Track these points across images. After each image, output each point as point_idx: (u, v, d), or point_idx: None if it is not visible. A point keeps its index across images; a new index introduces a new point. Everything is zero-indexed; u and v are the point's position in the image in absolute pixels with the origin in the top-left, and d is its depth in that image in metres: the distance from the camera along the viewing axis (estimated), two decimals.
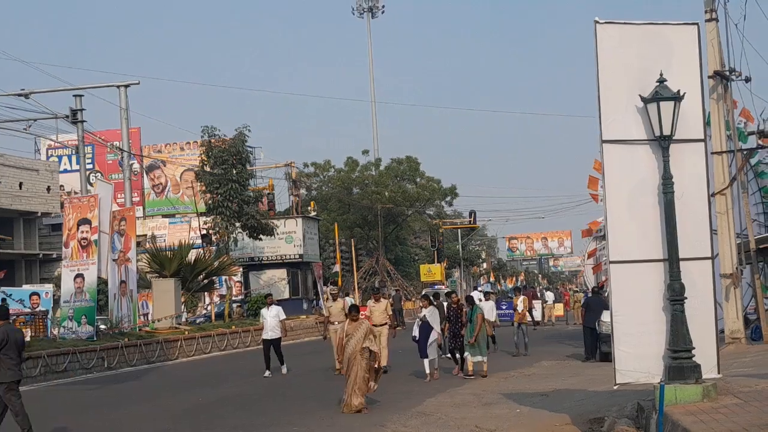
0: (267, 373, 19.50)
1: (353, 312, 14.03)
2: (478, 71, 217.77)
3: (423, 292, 28.45)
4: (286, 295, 46.48)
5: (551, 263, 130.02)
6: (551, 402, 13.94)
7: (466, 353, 18.12)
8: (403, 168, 64.35)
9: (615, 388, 10.76)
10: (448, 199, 67.99)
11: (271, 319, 19.82)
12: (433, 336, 17.66)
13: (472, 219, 70.45)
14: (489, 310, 21.61)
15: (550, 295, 44.72)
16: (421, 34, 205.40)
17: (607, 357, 17.39)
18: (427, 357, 17.65)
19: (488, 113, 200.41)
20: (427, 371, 17.67)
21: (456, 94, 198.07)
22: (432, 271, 58.06)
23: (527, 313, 26.04)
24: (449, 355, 20.07)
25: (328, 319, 20.27)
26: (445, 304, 20.38)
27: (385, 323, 18.76)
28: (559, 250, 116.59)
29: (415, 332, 17.78)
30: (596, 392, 14.64)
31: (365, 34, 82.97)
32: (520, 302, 24.84)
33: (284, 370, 20.05)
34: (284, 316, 20.41)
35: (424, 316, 17.86)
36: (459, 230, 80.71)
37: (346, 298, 21.18)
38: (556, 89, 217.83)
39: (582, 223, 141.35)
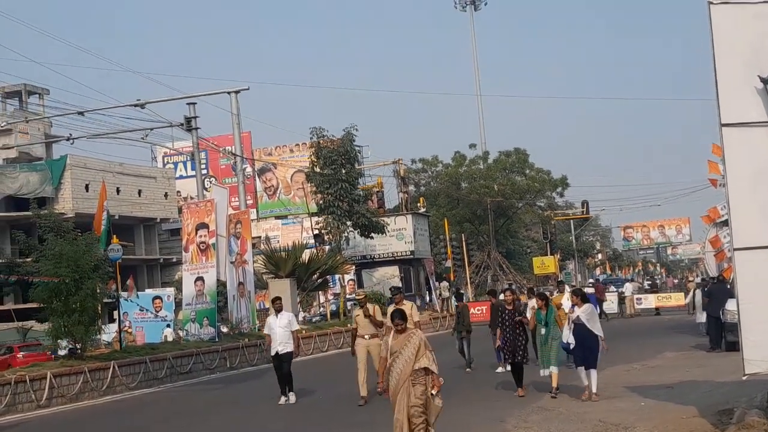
0: (283, 399, 15.45)
1: (398, 319, 9.75)
2: (586, 57, 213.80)
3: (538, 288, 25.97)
4: None
5: (669, 252, 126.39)
6: (677, 394, 13.54)
7: (552, 366, 14.43)
8: (512, 160, 63.69)
9: (744, 378, 10.38)
10: (559, 190, 66.91)
11: (281, 330, 15.49)
12: (600, 343, 13.80)
13: (584, 209, 69.23)
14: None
15: (628, 287, 43.60)
16: (524, 23, 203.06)
17: (734, 346, 16.75)
18: (589, 367, 13.72)
19: (597, 100, 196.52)
20: (594, 387, 13.72)
21: (563, 82, 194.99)
22: (545, 264, 57.29)
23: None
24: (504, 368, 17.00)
25: (355, 331, 15.38)
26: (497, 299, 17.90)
27: None
28: (678, 237, 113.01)
29: (569, 338, 13.89)
30: (723, 383, 14.18)
31: (468, 27, 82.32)
32: (566, 299, 17.73)
33: (293, 398, 15.54)
34: (297, 326, 16.14)
35: (578, 317, 13.80)
36: (571, 221, 79.50)
37: (375, 305, 16.30)
38: (668, 73, 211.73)
39: (700, 208, 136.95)
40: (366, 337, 14.95)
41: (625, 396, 13.85)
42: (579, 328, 13.69)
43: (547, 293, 17.90)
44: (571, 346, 13.81)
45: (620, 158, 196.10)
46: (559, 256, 68.78)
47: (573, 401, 13.58)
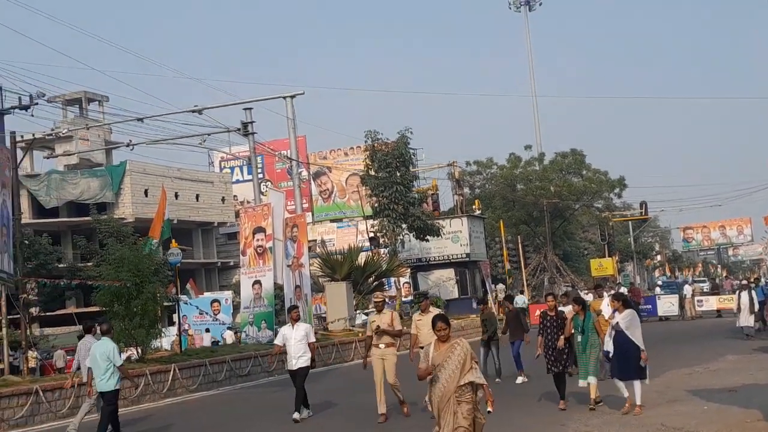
0: (296, 414, 14.11)
1: (441, 323, 8.45)
2: (639, 58, 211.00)
3: (564, 290, 22.46)
4: (455, 295, 46.51)
5: (730, 252, 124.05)
6: (740, 398, 13.28)
7: (589, 377, 13.49)
8: (568, 161, 63.13)
9: None
10: (616, 190, 66.13)
11: (297, 342, 14.08)
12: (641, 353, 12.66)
13: (643, 210, 68.32)
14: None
15: (688, 289, 42.80)
16: (580, 22, 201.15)
17: None
18: (631, 378, 12.74)
19: (654, 100, 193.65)
20: (638, 399, 12.67)
21: (619, 82, 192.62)
22: (603, 266, 56.60)
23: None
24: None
25: (369, 340, 13.76)
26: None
27: None
28: (739, 238, 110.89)
29: (608, 346, 12.91)
30: None
31: (523, 28, 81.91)
32: (605, 305, 16.33)
33: (305, 413, 14.40)
34: (314, 338, 14.69)
35: (617, 323, 12.73)
36: (630, 222, 78.49)
37: (394, 312, 14.55)
38: (726, 70, 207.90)
39: (762, 208, 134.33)
40: (381, 346, 13.42)
41: (687, 399, 13.63)
42: (619, 336, 12.65)
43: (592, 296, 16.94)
44: (610, 354, 12.84)
45: (679, 158, 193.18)
46: (617, 257, 67.93)
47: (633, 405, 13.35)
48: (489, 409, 8.29)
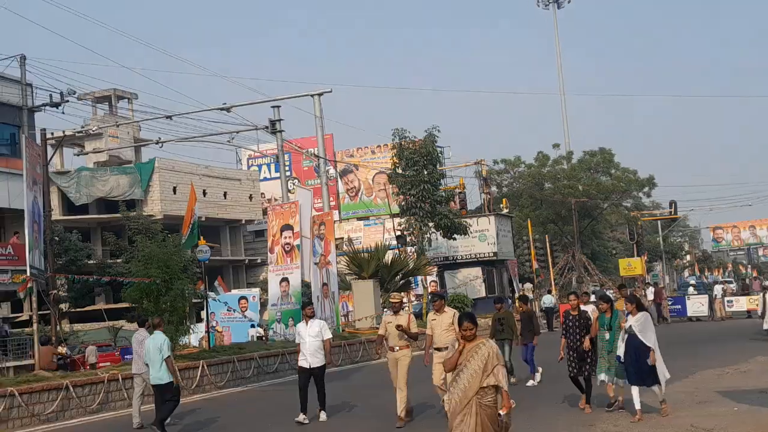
0: (301, 417, 13.69)
1: (467, 322, 8.06)
2: (670, 54, 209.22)
3: (591, 289, 19.92)
4: (482, 294, 46.39)
5: (761, 253, 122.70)
6: None
7: (602, 375, 13.06)
8: (597, 160, 62.78)
9: None
10: (645, 190, 65.70)
11: (311, 339, 13.73)
12: (656, 357, 12.22)
13: (672, 209, 67.77)
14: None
15: (718, 289, 42.36)
16: (608, 20, 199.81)
17: None
18: (648, 384, 12.32)
19: (685, 98, 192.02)
20: (637, 405, 12.27)
21: (649, 80, 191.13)
22: (632, 265, 56.17)
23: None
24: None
25: (384, 341, 13.37)
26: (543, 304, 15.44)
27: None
28: None
29: (620, 350, 12.42)
30: None
31: (551, 24, 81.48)
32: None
33: (323, 416, 13.97)
34: (330, 335, 14.21)
35: (630, 327, 12.22)
36: (659, 222, 77.92)
37: (410, 314, 14.02)
38: (756, 68, 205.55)
39: None
40: (396, 348, 13.01)
41: (717, 401, 13.50)
42: (632, 340, 12.14)
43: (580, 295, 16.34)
44: (621, 359, 12.38)
45: (710, 157, 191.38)
46: (646, 257, 67.43)
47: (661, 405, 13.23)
48: (500, 412, 7.85)
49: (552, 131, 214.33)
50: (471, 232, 43.41)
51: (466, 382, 7.85)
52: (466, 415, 7.78)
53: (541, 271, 50.53)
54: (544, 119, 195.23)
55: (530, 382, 16.95)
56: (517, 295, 46.12)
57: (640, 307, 12.41)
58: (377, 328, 30.75)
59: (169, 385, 13.28)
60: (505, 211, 53.29)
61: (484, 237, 48.54)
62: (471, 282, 47.61)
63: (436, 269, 44.98)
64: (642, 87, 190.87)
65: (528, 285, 47.84)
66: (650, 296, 37.27)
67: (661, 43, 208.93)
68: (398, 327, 12.85)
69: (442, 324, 12.63)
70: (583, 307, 13.82)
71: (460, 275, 48.37)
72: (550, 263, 52.51)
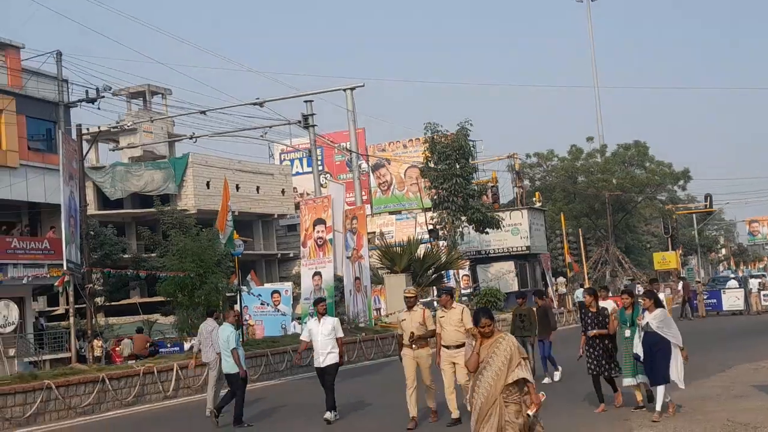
0: (328, 414, 13.31)
1: (485, 318, 7.55)
2: (703, 47, 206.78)
3: (624, 285, 18.19)
4: (515, 288, 46.22)
5: None
6: None
7: (638, 375, 12.41)
8: (631, 153, 62.29)
9: None
10: (680, 183, 65.03)
11: (324, 338, 13.20)
12: (675, 355, 11.70)
13: (707, 203, 67.04)
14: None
15: (754, 283, 41.82)
16: (641, 11, 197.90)
17: None
18: (661, 382, 11.72)
19: (720, 90, 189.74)
20: (658, 406, 11.74)
21: (683, 72, 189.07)
22: (666, 259, 55.79)
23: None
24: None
25: (401, 338, 12.77)
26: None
27: (463, 344, 11.38)
28: None
29: (638, 348, 11.91)
30: None
31: (585, 17, 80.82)
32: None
33: (330, 416, 13.31)
34: (342, 333, 13.61)
35: (647, 324, 11.70)
36: (694, 215, 77.15)
37: (425, 309, 12.92)
38: None
39: None
40: (414, 346, 12.37)
41: (753, 395, 13.35)
42: (649, 337, 11.63)
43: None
44: (641, 358, 11.86)
45: (745, 150, 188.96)
46: (681, 251, 66.81)
47: (700, 400, 13.10)
48: (529, 411, 7.33)
49: (585, 124, 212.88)
50: (503, 226, 43.28)
51: (491, 380, 7.35)
52: (491, 416, 7.30)
53: (574, 265, 50.19)
54: (578, 112, 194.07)
55: (546, 380, 16.50)
56: (551, 288, 46.05)
57: (657, 303, 11.92)
58: None
59: (236, 375, 13.61)
60: (537, 204, 53.03)
61: (516, 231, 48.36)
62: (504, 276, 47.48)
63: (468, 263, 44.87)
64: (677, 79, 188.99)
65: (561, 279, 47.55)
66: (681, 290, 36.98)
67: (695, 34, 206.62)
68: (410, 339, 12.28)
69: (451, 320, 11.96)
70: (602, 303, 13.37)
71: (492, 269, 48.23)
72: (584, 257, 52.17)
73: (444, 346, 11.97)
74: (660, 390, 11.65)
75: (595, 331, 12.63)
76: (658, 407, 11.66)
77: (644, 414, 12.27)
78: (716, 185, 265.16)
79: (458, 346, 11.61)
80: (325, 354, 13.11)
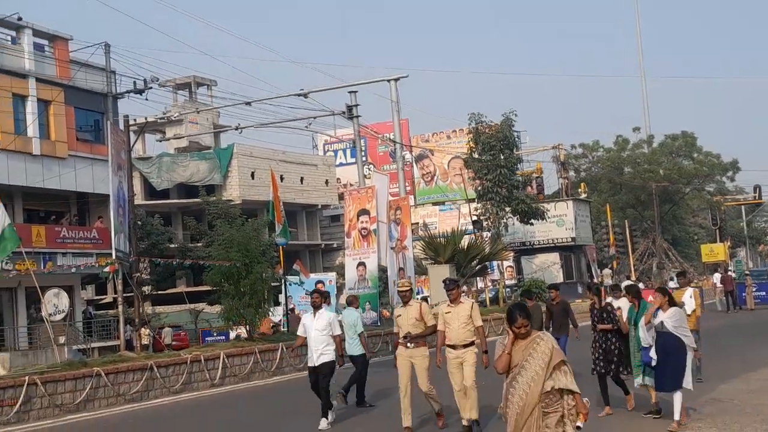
0: (323, 422, 11.96)
1: (522, 318, 6.42)
2: (754, 35, 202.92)
3: (625, 283, 17.33)
4: (560, 279, 45.90)
5: None
6: None
7: (639, 379, 11.70)
8: (678, 144, 61.59)
9: None
10: (729, 174, 64.16)
11: (317, 334, 11.99)
12: (689, 356, 10.71)
13: (756, 194, 65.98)
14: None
15: None
16: (689, 2, 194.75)
17: None
18: (677, 388, 10.61)
19: None
20: (677, 414, 10.60)
21: (733, 61, 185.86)
22: (714, 251, 54.98)
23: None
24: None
25: (398, 337, 11.39)
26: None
27: (471, 343, 10.62)
28: None
29: (653, 352, 10.81)
30: None
31: (632, 5, 79.80)
32: (688, 296, 14.34)
33: (324, 424, 11.98)
34: (339, 330, 12.37)
35: (661, 323, 10.69)
36: (742, 207, 76.01)
37: (423, 303, 11.72)
38: None
39: None
40: (409, 345, 10.98)
41: None
42: (664, 338, 10.62)
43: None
44: (653, 362, 10.78)
45: None
46: (729, 243, 65.85)
47: (748, 394, 12.85)
48: (579, 423, 6.39)
49: (631, 115, 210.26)
50: (548, 217, 43.01)
51: (526, 387, 6.35)
52: (530, 428, 6.32)
53: (620, 257, 49.73)
54: (624, 103, 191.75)
55: None
56: (597, 280, 45.67)
57: (672, 301, 10.92)
58: None
59: (361, 357, 14.13)
60: (583, 195, 52.63)
61: (561, 222, 48.01)
62: (548, 268, 47.18)
63: (512, 254, 44.67)
64: (725, 69, 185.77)
65: (607, 271, 47.15)
66: (717, 283, 36.00)
67: (744, 23, 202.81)
68: (405, 337, 10.99)
69: (459, 317, 10.60)
70: (616, 302, 12.80)
71: (537, 260, 47.96)
72: (630, 249, 51.64)
73: (450, 345, 10.63)
74: (677, 396, 10.59)
75: (601, 326, 12.01)
76: (677, 415, 10.59)
77: (654, 422, 11.29)
78: (766, 176, 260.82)
79: (466, 346, 10.48)
80: (319, 352, 11.92)
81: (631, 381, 12.04)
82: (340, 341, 12.29)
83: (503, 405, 6.52)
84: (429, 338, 11.46)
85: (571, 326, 15.99)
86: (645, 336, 10.93)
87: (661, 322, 10.63)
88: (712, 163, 61.58)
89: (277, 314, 30.24)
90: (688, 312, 12.82)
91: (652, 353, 10.72)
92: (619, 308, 12.51)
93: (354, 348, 14.08)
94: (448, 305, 10.79)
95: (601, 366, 11.86)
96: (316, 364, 11.94)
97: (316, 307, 12.09)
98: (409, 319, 11.03)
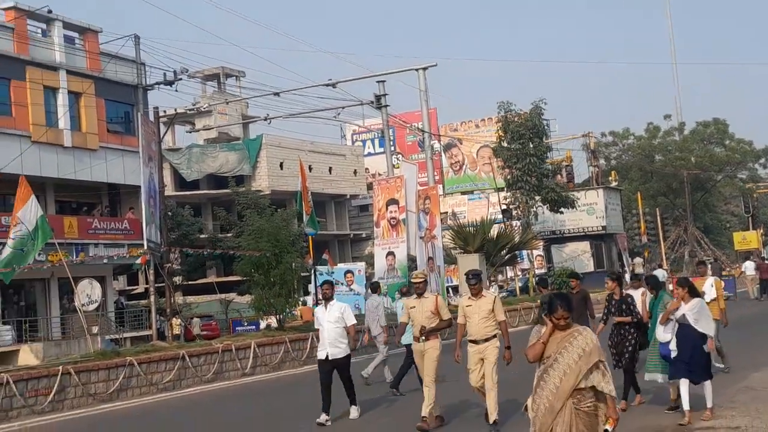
0: (323, 417, 11.50)
1: (563, 310, 6.07)
2: None
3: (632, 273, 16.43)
4: (591, 268, 45.64)
5: None
6: None
7: (651, 375, 11.48)
8: (710, 131, 60.98)
9: None
10: (761, 161, 63.39)
11: (331, 325, 11.64)
12: (706, 348, 10.46)
13: None
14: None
15: None
16: None
17: None
18: (699, 380, 10.41)
19: None
20: (709, 402, 10.38)
21: (765, 47, 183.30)
22: (747, 239, 54.45)
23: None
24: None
25: (403, 327, 11.86)
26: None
27: (494, 336, 10.34)
28: None
29: (672, 345, 10.51)
30: None
31: None
32: (709, 285, 14.26)
33: (354, 413, 11.99)
34: (353, 320, 11.84)
35: (683, 315, 10.41)
36: None
37: (438, 296, 11.61)
38: None
39: None
40: (422, 339, 10.81)
41: None
42: (684, 330, 10.37)
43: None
44: (672, 354, 10.48)
45: None
46: (762, 230, 65.13)
47: None
48: (607, 427, 6.06)
49: (662, 102, 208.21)
50: (578, 206, 42.79)
51: (558, 380, 5.99)
52: (557, 425, 5.95)
53: (651, 245, 49.34)
54: (654, 90, 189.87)
55: None
56: (628, 269, 45.33)
57: (693, 292, 10.55)
58: None
59: (408, 346, 13.63)
60: (613, 184, 52.28)
61: (592, 210, 47.71)
62: (579, 256, 46.92)
63: (542, 243, 44.49)
64: (757, 55, 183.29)
65: (638, 260, 46.80)
66: (749, 272, 35.24)
67: None
68: (422, 332, 10.77)
69: (481, 311, 10.27)
70: (633, 292, 12.38)
71: (567, 249, 47.72)
72: (661, 237, 51.22)
73: (471, 341, 10.34)
74: (707, 386, 10.40)
75: (618, 318, 11.57)
76: (709, 404, 10.40)
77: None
78: None
79: (487, 340, 10.21)
80: (332, 345, 11.53)
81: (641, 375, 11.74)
82: (354, 331, 11.84)
83: (530, 401, 6.19)
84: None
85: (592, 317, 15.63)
86: (661, 333, 10.71)
87: (683, 315, 10.39)
88: (744, 150, 60.91)
89: (307, 304, 30.40)
90: (707, 300, 12.28)
91: (672, 346, 10.47)
92: (644, 294, 12.17)
93: (407, 337, 12.72)
94: (469, 298, 10.53)
95: (615, 359, 11.37)
96: (331, 359, 11.54)
97: (327, 299, 11.84)
98: (424, 312, 10.78)
